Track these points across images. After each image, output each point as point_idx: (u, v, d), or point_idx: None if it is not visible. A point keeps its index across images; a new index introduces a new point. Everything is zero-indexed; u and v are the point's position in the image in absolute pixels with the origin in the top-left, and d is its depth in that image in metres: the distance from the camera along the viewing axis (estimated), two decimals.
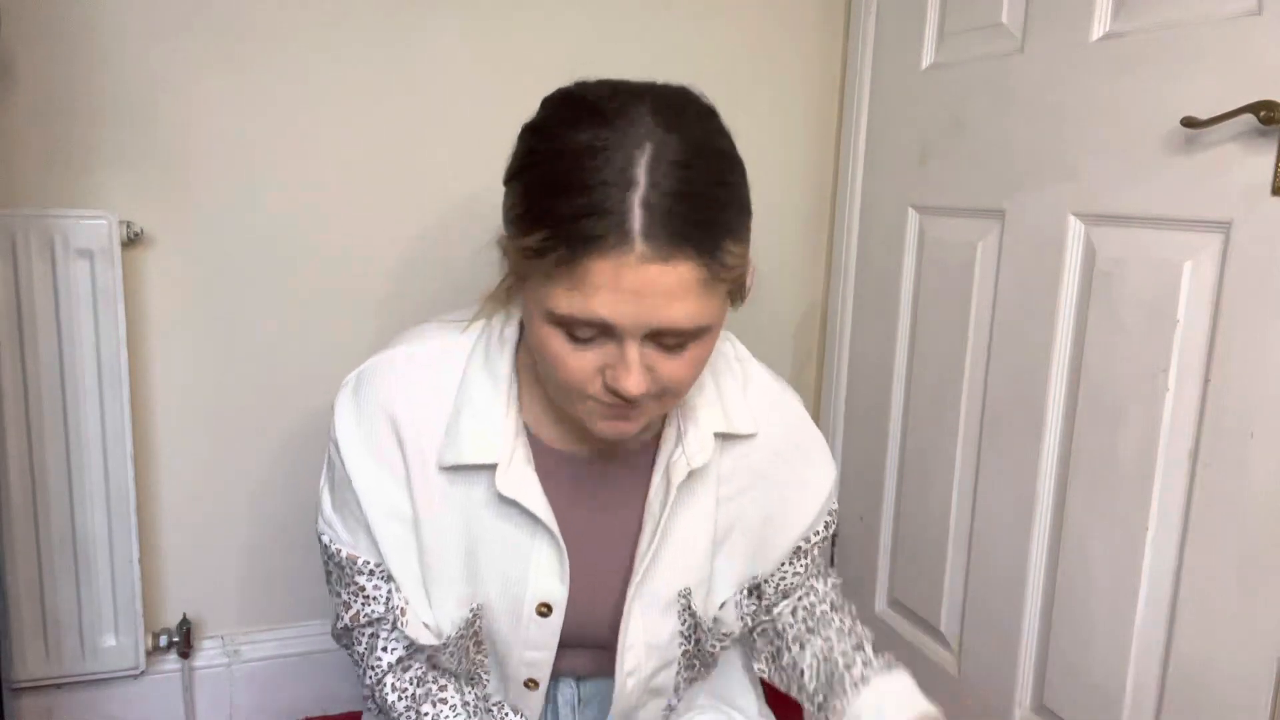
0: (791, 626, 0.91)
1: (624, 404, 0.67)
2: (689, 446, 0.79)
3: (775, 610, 0.92)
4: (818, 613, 0.90)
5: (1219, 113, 0.94)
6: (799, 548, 0.89)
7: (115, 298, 1.22)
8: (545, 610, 0.79)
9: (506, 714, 0.84)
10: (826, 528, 0.90)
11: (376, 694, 0.83)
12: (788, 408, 0.87)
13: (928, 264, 1.44)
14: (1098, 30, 1.12)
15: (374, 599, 0.81)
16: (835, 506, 0.91)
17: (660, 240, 0.60)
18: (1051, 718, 1.23)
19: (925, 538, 1.46)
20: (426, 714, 0.81)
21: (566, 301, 0.62)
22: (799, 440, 0.87)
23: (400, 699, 0.81)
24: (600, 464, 0.82)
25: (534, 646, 0.80)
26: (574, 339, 0.65)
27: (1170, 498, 1.05)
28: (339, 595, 0.83)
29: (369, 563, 0.80)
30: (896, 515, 1.55)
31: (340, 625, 0.85)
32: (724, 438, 0.81)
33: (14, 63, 1.20)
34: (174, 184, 1.30)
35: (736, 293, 0.69)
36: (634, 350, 0.64)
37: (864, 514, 1.62)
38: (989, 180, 1.30)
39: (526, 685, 0.83)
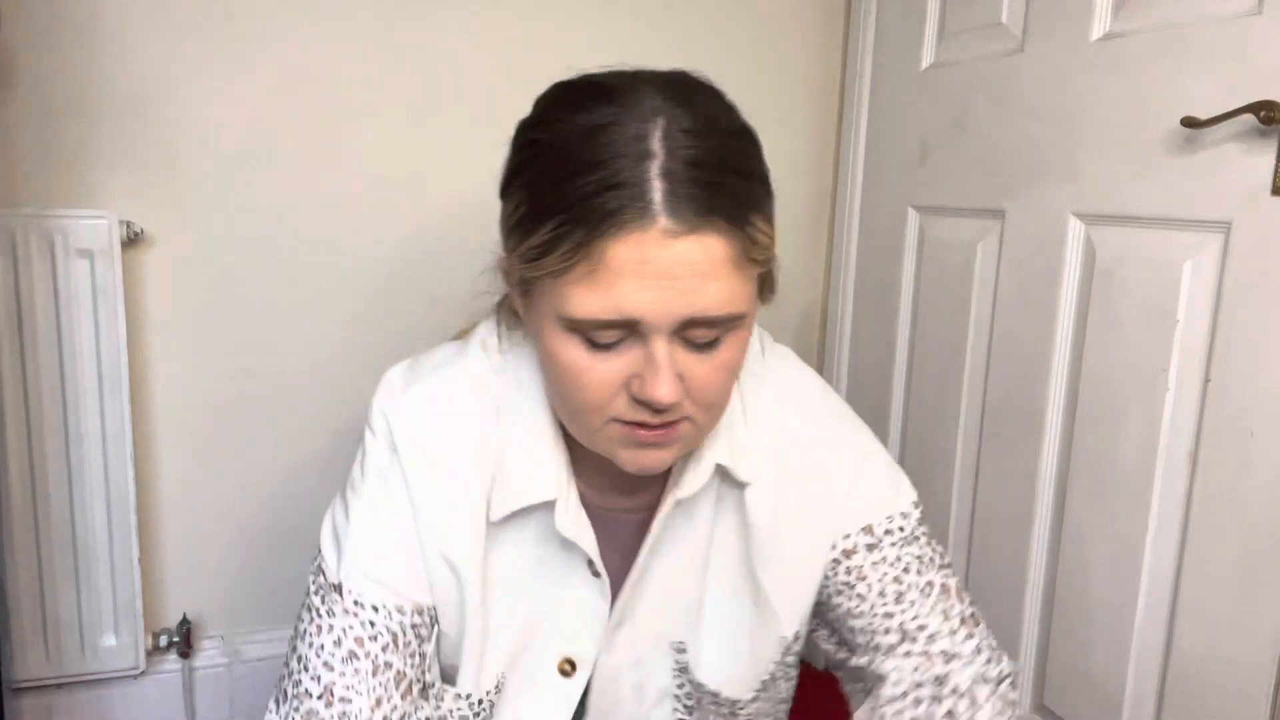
0: (899, 690, 0.73)
1: (653, 426, 0.60)
2: (684, 475, 0.69)
3: (873, 665, 0.75)
4: (947, 691, 0.72)
5: (1219, 113, 0.94)
6: (837, 561, 0.74)
7: (115, 298, 1.22)
8: (568, 669, 0.73)
9: None
10: (902, 519, 0.75)
11: None
12: (810, 438, 0.74)
13: (928, 264, 1.44)
14: (1098, 30, 1.12)
15: (359, 692, 0.68)
16: (901, 506, 0.76)
17: (685, 211, 0.54)
18: (1051, 718, 1.23)
19: None
20: None
21: (584, 298, 0.56)
22: (823, 469, 0.74)
23: None
24: (638, 516, 0.74)
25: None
26: (593, 345, 0.58)
27: (1170, 498, 1.05)
28: (317, 679, 0.71)
29: (403, 609, 0.69)
30: None
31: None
32: (726, 476, 0.72)
33: (14, 63, 1.20)
34: (174, 184, 1.30)
35: (766, 283, 0.62)
36: (662, 348, 0.57)
37: None
38: (989, 180, 1.30)
39: None
